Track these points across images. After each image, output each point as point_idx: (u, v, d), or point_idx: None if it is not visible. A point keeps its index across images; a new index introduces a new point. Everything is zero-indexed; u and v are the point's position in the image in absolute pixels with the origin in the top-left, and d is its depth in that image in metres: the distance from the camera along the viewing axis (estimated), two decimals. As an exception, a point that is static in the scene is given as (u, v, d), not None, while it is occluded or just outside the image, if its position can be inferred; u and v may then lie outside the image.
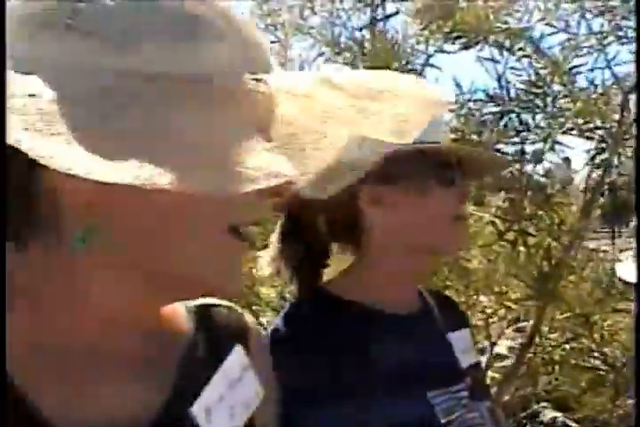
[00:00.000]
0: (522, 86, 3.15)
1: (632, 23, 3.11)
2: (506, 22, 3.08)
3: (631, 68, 3.13)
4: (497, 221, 3.23)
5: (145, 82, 0.76)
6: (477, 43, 3.12)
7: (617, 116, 3.14)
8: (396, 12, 3.50)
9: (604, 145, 3.10)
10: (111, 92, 0.75)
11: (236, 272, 0.88)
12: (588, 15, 3.13)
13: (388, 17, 3.55)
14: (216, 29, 0.81)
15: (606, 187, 3.26)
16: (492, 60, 3.18)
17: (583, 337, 3.21)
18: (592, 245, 3.45)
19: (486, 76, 3.23)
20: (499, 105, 3.15)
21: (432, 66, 3.35)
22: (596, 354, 3.25)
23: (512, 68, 3.19)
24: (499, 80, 3.18)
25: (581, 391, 3.59)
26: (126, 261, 0.82)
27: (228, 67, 0.81)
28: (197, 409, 0.89)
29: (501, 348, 4.09)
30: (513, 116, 3.13)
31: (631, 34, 3.08)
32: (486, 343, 3.74)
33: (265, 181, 0.73)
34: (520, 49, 3.12)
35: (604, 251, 3.22)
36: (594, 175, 3.24)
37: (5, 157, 0.72)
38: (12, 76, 0.74)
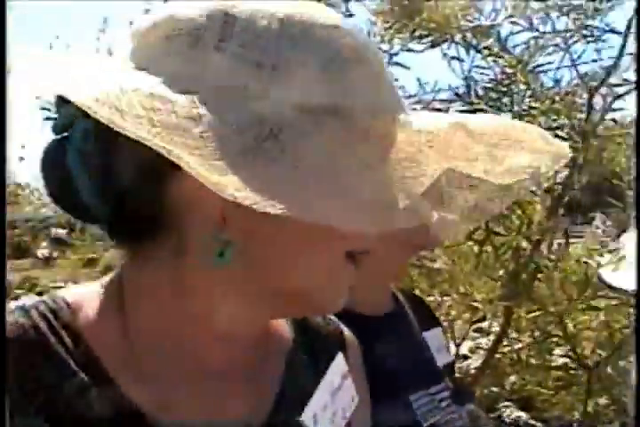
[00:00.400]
0: (488, 85, 3.14)
1: (597, 22, 3.13)
2: (472, 21, 3.07)
3: (596, 66, 3.15)
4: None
5: (300, 112, 0.77)
6: (444, 41, 3.11)
7: (582, 115, 3.14)
8: (351, 15, 3.46)
9: (569, 143, 3.09)
10: (267, 121, 0.75)
11: (340, 295, 0.90)
12: (554, 14, 3.14)
13: (350, 16, 3.51)
14: (362, 61, 0.81)
15: (574, 186, 3.26)
16: (459, 58, 3.17)
17: (554, 336, 3.20)
18: (560, 243, 3.44)
19: (452, 74, 3.23)
20: (465, 104, 3.14)
21: (398, 64, 3.32)
22: (566, 353, 3.25)
23: (478, 66, 3.19)
24: (465, 79, 3.17)
25: (549, 391, 3.59)
26: (247, 277, 0.84)
27: (373, 102, 0.82)
28: (306, 417, 0.92)
29: (463, 348, 4.09)
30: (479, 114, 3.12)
31: (596, 32, 3.10)
32: (451, 344, 3.75)
33: (412, 221, 0.79)
34: (486, 48, 3.12)
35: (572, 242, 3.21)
36: (560, 174, 3.24)
37: (5, 158, 0.73)
38: (163, 92, 0.75)
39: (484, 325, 4.06)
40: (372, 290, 1.54)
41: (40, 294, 0.93)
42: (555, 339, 3.22)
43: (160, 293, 0.87)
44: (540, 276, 3.01)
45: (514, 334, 3.45)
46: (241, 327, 0.90)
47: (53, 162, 0.85)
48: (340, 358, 1.02)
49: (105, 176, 0.82)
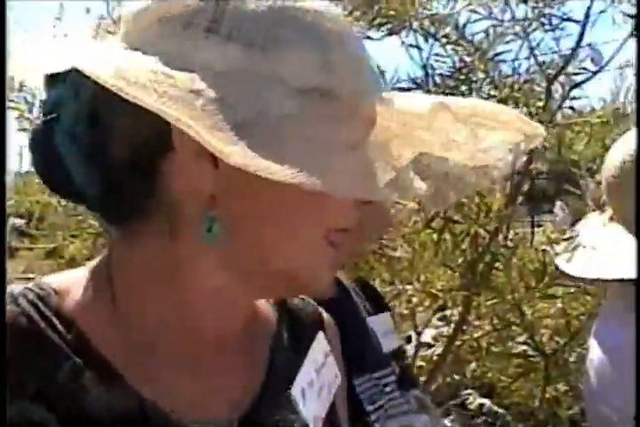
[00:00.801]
0: (447, 73, 3.13)
1: (555, 11, 3.13)
2: (430, 9, 3.06)
3: (555, 56, 3.15)
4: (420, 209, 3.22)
5: (290, 91, 0.82)
6: (402, 29, 3.09)
7: (540, 104, 3.15)
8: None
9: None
10: (258, 99, 0.80)
11: (324, 275, 0.93)
12: (512, 2, 3.13)
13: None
14: (345, 45, 0.86)
15: (532, 174, 3.27)
16: (417, 46, 3.16)
17: (513, 324, 3.21)
18: (518, 232, 3.45)
19: (411, 63, 3.22)
20: (424, 92, 3.13)
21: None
22: (525, 340, 3.26)
23: (437, 54, 3.18)
24: (424, 67, 3.16)
25: (509, 378, 3.61)
26: (234, 255, 0.88)
27: (358, 85, 0.86)
28: (294, 392, 0.96)
29: (426, 336, 4.10)
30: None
31: (555, 21, 3.10)
32: (412, 332, 3.75)
33: (399, 194, 0.87)
34: (445, 36, 3.11)
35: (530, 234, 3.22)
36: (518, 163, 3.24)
37: (5, 157, 0.76)
38: (162, 68, 0.79)
39: (448, 313, 4.08)
40: None
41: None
42: (514, 327, 3.23)
43: (151, 269, 0.91)
44: (497, 264, 3.01)
45: (476, 323, 3.46)
46: (229, 305, 0.93)
47: (42, 143, 0.88)
48: (320, 336, 1.06)
49: (96, 156, 0.86)
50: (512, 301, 3.00)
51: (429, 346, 4.39)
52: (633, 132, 1.64)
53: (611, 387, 1.54)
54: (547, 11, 3.13)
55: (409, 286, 3.57)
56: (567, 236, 2.14)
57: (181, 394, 0.90)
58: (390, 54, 3.31)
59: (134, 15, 0.87)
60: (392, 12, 3.05)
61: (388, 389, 1.53)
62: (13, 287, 0.89)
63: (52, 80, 0.87)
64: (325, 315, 1.16)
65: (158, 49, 0.82)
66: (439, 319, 4.41)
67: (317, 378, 1.02)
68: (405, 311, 3.57)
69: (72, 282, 0.93)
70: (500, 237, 3.07)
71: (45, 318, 0.86)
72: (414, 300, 3.61)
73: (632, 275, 1.47)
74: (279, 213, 0.86)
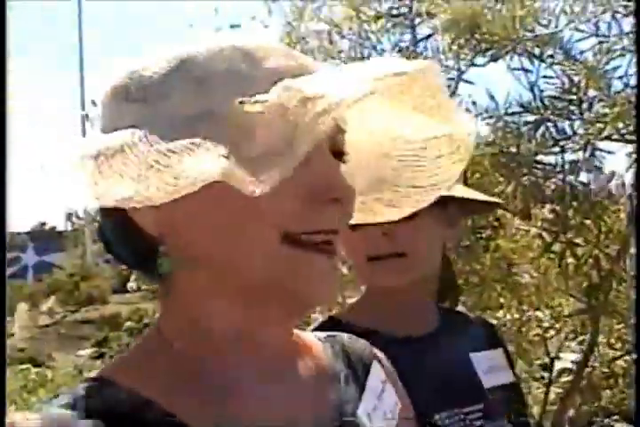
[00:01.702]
0: (556, 94, 3.08)
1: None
2: (533, 30, 3.02)
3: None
4: (544, 233, 3.16)
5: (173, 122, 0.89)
6: (507, 53, 3.06)
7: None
8: (432, 34, 3.45)
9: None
10: (179, 129, 0.87)
11: (317, 286, 0.92)
12: (618, 15, 3.06)
13: (427, 37, 3.50)
14: (224, 75, 0.91)
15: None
16: (523, 69, 3.12)
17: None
18: None
19: (519, 86, 3.18)
20: (534, 114, 3.08)
21: (465, 81, 3.30)
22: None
23: (544, 76, 3.13)
24: (532, 89, 3.12)
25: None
26: (211, 280, 0.92)
27: (224, 100, 0.89)
28: (361, 415, 1.00)
29: (565, 362, 4.00)
30: (550, 125, 3.06)
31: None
32: (547, 359, 3.67)
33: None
34: (550, 56, 3.06)
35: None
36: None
37: (5, 161, 0.83)
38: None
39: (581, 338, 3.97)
40: (407, 312, 1.57)
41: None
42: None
43: (175, 317, 0.97)
44: (620, 288, 2.93)
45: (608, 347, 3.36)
46: (249, 331, 0.96)
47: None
48: (376, 365, 1.10)
49: (110, 241, 0.99)
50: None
51: (569, 371, 4.29)
52: None
53: None
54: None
55: (538, 313, 3.51)
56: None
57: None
58: (497, 80, 3.28)
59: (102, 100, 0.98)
60: (495, 37, 3.03)
61: (477, 423, 1.51)
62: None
63: None
64: (376, 350, 1.17)
65: (110, 120, 0.95)
66: (579, 344, 4.30)
67: (380, 404, 1.05)
68: (536, 338, 3.50)
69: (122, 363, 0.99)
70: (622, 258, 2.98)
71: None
72: (545, 325, 3.54)
73: None
74: (225, 228, 0.90)
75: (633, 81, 3.08)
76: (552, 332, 3.52)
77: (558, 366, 3.71)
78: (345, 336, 1.16)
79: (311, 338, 1.11)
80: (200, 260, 0.92)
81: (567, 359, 4.04)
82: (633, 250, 2.99)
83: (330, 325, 1.53)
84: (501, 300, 3.47)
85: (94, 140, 0.91)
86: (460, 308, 2.29)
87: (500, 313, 3.44)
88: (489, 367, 1.65)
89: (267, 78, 0.90)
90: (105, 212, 0.96)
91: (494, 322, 2.58)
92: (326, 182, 0.91)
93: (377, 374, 1.10)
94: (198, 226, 0.91)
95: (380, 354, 1.18)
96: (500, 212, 3.19)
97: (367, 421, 1.00)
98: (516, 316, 3.45)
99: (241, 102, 0.88)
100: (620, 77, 3.08)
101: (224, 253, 0.91)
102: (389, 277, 1.59)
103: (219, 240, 0.91)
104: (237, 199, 0.84)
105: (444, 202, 1.55)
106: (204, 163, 0.81)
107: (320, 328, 1.55)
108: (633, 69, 3.05)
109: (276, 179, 0.81)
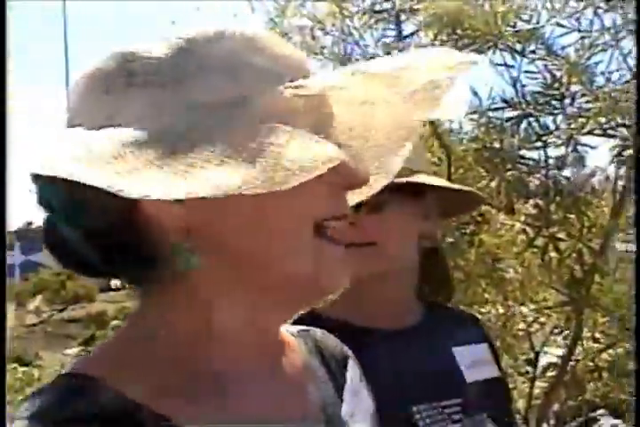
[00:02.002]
0: (538, 89, 3.08)
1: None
2: (514, 26, 3.03)
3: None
4: (527, 228, 3.17)
5: (203, 112, 0.83)
6: (489, 48, 3.07)
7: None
8: (417, 30, 3.45)
9: (627, 142, 3.01)
10: (174, 123, 0.83)
11: (329, 270, 0.92)
12: (600, 11, 3.07)
13: (412, 34, 3.50)
14: (251, 61, 0.87)
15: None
16: (506, 65, 3.12)
17: (622, 341, 3.12)
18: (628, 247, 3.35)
19: (502, 82, 3.19)
20: (517, 110, 3.09)
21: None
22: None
23: (527, 71, 3.14)
24: (514, 85, 3.13)
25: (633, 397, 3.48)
26: (232, 277, 0.89)
27: (263, 86, 0.86)
28: (345, 416, 0.99)
29: (551, 357, 4.00)
30: (532, 120, 3.07)
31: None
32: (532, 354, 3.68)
33: (316, 169, 0.79)
34: (532, 51, 3.07)
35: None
36: (621, 174, 3.16)
37: (5, 160, 0.80)
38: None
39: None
40: (385, 306, 1.57)
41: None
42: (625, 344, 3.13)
43: (170, 318, 0.91)
44: (603, 281, 2.94)
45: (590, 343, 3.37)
46: (255, 333, 0.94)
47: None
48: (352, 363, 1.10)
49: (89, 233, 0.89)
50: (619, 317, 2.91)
51: (556, 366, 4.29)
52: None
53: None
54: (636, 17, 3.04)
55: (522, 307, 3.52)
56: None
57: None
58: (480, 75, 3.29)
59: (70, 93, 0.91)
60: (477, 33, 3.04)
61: (456, 417, 1.52)
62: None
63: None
64: (346, 348, 1.16)
65: (86, 112, 0.88)
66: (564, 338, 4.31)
67: (359, 403, 1.04)
68: (520, 333, 3.51)
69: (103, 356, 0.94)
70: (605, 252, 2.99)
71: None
72: (529, 319, 3.55)
73: None
74: (256, 220, 0.87)
75: (615, 76, 3.10)
76: (536, 326, 3.52)
77: (544, 360, 3.72)
78: (318, 332, 1.15)
79: (286, 333, 1.09)
80: (227, 256, 0.88)
81: (553, 354, 4.06)
82: (617, 244, 3.01)
83: (309, 318, 1.53)
84: (486, 295, 3.48)
85: (117, 132, 0.83)
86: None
87: (485, 308, 3.44)
88: (472, 362, 1.65)
89: (284, 67, 0.89)
90: (91, 206, 0.85)
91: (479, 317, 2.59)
92: (344, 168, 0.90)
93: (354, 373, 1.09)
94: (230, 221, 0.87)
95: (350, 352, 1.16)
96: (484, 207, 3.19)
97: (351, 422, 0.99)
98: (501, 311, 3.45)
99: (291, 87, 0.86)
100: (603, 73, 3.09)
101: (258, 250, 0.88)
102: (359, 266, 1.60)
103: (253, 236, 0.88)
104: (269, 192, 0.79)
105: (417, 193, 1.56)
106: (311, 148, 0.80)
107: (300, 321, 1.55)
108: (615, 65, 3.07)
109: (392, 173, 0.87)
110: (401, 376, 1.48)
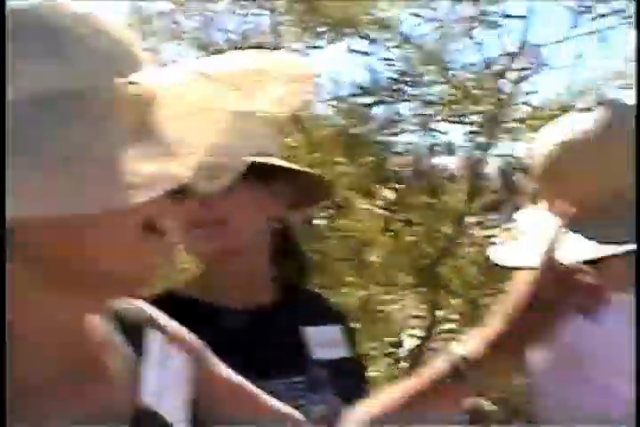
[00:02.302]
0: (394, 76, 3.15)
1: (495, 8, 3.14)
2: (371, 14, 3.08)
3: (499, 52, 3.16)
4: (385, 212, 3.23)
5: (33, 101, 0.73)
6: (345, 36, 3.12)
7: (492, 100, 3.15)
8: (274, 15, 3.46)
9: (479, 129, 3.11)
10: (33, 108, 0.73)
11: (149, 266, 0.87)
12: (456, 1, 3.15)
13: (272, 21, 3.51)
14: (82, 42, 0.78)
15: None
16: (362, 52, 3.18)
17: (474, 322, 3.21)
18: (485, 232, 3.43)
19: (360, 69, 3.24)
20: (373, 96, 3.15)
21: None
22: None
23: (385, 59, 3.19)
24: (371, 72, 3.18)
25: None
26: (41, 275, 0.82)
27: (96, 79, 0.78)
28: (147, 397, 0.92)
29: (413, 339, 4.08)
30: (387, 106, 3.13)
31: (495, 18, 3.11)
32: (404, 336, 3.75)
33: (158, 187, 0.72)
34: (388, 40, 3.13)
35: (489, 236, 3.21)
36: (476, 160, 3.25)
37: (5, 161, 0.71)
38: None
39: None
40: (239, 287, 1.60)
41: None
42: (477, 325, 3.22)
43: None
44: (456, 264, 3.02)
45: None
46: (67, 323, 0.89)
47: None
48: (150, 333, 1.02)
49: None
50: (469, 298, 3.00)
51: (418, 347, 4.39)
52: (561, 122, 1.61)
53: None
54: (489, 8, 3.14)
55: (381, 289, 3.58)
56: (503, 228, 2.14)
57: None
58: (334, 62, 3.34)
59: None
60: (333, 20, 3.08)
61: (300, 393, 1.56)
62: None
63: None
64: (155, 315, 1.11)
65: None
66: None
67: (165, 374, 0.98)
68: (380, 315, 3.57)
69: None
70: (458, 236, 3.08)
71: None
72: (388, 302, 3.61)
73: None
74: (78, 231, 0.80)
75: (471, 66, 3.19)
76: (395, 307, 3.59)
77: (409, 343, 3.79)
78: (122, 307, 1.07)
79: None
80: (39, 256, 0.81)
81: (414, 335, 4.14)
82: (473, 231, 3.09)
83: (165, 296, 1.53)
84: (347, 278, 3.52)
85: None
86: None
87: (346, 291, 3.49)
88: (322, 342, 1.68)
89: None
90: None
91: (339, 300, 2.64)
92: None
93: (153, 344, 1.02)
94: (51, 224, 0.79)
95: (163, 320, 1.10)
96: (344, 192, 3.24)
97: (156, 403, 0.94)
98: (362, 293, 3.51)
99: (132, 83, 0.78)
100: (457, 61, 3.18)
101: (73, 254, 0.82)
102: (210, 244, 1.61)
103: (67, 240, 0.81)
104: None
105: (267, 175, 1.59)
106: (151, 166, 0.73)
107: (155, 301, 1.56)
108: (469, 54, 3.17)
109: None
110: (247, 353, 1.50)
